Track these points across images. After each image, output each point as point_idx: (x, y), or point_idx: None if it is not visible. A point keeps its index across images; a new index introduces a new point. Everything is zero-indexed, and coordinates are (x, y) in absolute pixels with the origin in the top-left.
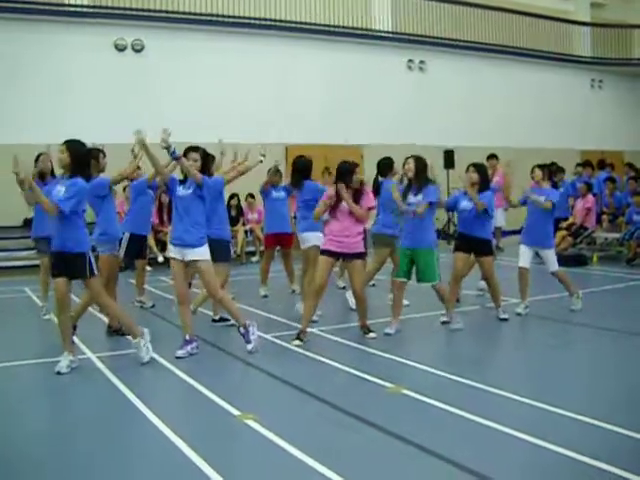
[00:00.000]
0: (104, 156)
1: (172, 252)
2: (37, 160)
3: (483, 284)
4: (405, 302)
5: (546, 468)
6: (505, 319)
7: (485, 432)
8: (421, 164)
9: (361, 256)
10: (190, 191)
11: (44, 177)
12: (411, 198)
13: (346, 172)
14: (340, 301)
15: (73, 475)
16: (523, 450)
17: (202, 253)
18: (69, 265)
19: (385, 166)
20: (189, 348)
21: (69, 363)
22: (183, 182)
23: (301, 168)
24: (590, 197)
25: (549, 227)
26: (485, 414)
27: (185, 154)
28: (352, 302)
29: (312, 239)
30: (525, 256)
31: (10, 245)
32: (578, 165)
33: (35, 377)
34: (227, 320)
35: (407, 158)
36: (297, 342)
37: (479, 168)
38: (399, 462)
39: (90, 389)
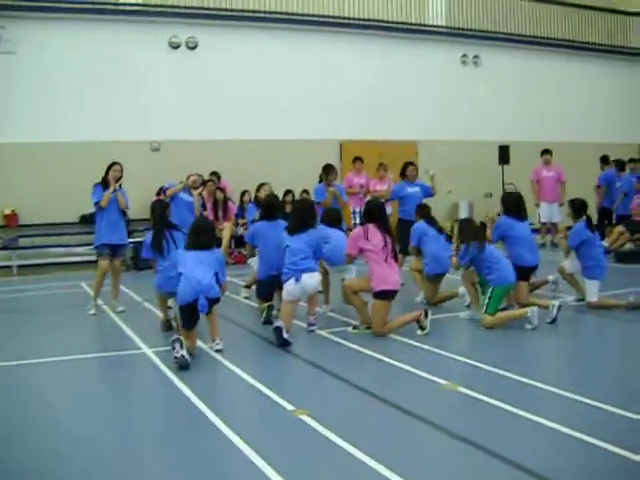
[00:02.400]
0: None
1: None
2: (109, 169)
3: (556, 277)
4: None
5: (608, 472)
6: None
7: (544, 432)
8: (467, 226)
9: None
10: None
11: (109, 185)
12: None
13: (378, 209)
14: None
15: (128, 468)
16: (582, 451)
17: None
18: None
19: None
20: None
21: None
22: None
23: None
24: None
25: None
26: (542, 413)
27: None
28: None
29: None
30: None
31: (68, 241)
32: (631, 160)
33: (90, 371)
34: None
35: (454, 221)
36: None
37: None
38: (457, 461)
39: (145, 383)
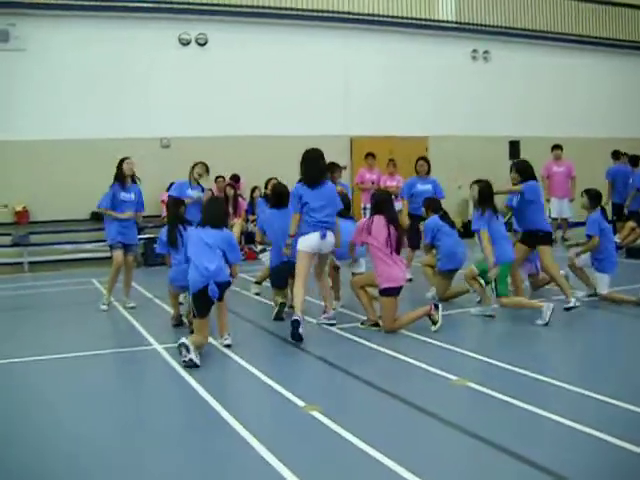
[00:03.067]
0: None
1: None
2: (120, 164)
3: (566, 271)
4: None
5: (617, 466)
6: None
7: (554, 427)
8: (486, 190)
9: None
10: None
11: (125, 182)
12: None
13: (385, 201)
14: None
15: (143, 461)
16: (592, 446)
17: None
18: None
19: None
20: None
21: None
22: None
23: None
24: None
25: None
26: (552, 408)
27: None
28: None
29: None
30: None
31: (78, 238)
32: None
33: (100, 368)
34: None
35: (472, 183)
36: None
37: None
38: (468, 457)
39: (156, 380)
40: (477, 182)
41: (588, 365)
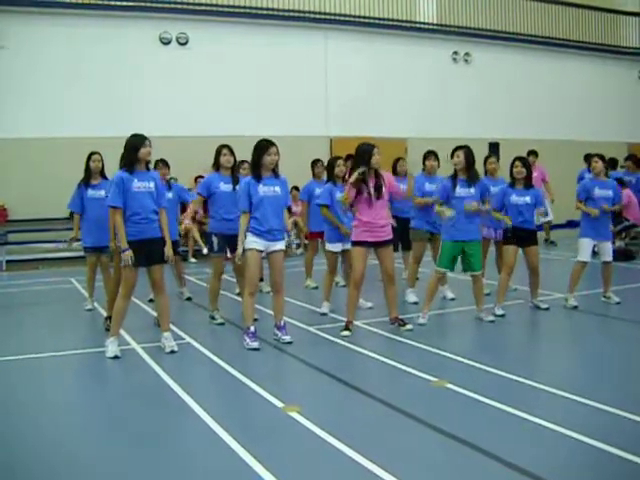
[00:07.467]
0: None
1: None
2: (89, 159)
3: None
4: (415, 298)
5: (597, 468)
6: (547, 309)
7: (531, 428)
8: (471, 156)
9: (393, 242)
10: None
11: (90, 178)
12: (460, 191)
13: (364, 154)
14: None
15: (120, 461)
16: (572, 448)
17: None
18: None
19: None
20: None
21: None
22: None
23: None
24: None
25: (609, 220)
26: (530, 410)
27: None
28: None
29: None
30: (589, 250)
31: (57, 237)
32: (627, 159)
33: (79, 366)
34: None
35: (455, 150)
36: (346, 332)
37: (465, 150)
38: (447, 459)
39: (132, 379)
40: (460, 148)
41: (575, 369)
